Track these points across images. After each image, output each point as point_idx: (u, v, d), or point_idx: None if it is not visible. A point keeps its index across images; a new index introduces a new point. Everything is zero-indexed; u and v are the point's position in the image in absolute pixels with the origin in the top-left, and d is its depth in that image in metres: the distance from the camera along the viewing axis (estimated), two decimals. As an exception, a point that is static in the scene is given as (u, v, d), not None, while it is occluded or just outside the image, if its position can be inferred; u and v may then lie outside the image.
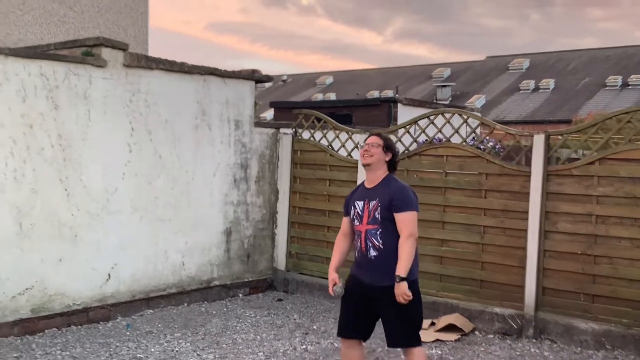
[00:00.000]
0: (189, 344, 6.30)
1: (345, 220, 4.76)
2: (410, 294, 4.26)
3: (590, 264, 6.48)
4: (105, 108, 6.97)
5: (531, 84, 33.06)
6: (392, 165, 4.61)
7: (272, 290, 8.69)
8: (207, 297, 8.02)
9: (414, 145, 7.80)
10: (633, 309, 6.27)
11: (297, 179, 8.62)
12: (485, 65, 37.63)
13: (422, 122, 7.63)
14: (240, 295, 8.39)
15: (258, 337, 6.60)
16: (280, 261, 8.71)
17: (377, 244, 4.41)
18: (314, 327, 7.01)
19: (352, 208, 4.60)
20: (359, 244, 4.52)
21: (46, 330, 6.49)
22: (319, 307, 7.85)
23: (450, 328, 6.87)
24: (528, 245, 6.78)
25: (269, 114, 23.81)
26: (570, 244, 6.60)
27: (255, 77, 8.54)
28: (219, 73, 8.09)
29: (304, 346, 6.33)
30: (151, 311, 7.37)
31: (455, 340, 6.63)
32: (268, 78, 8.74)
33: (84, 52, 6.91)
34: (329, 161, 8.29)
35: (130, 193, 7.22)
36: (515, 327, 6.83)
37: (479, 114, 7.45)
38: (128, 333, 6.61)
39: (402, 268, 4.29)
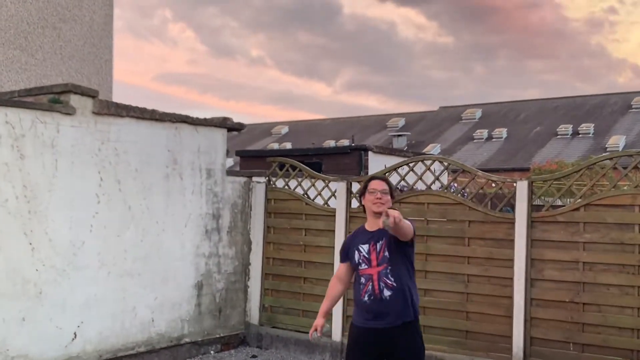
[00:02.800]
0: (164, 408, 5.88)
1: (342, 267, 4.59)
2: (397, 214, 3.96)
3: (578, 312, 6.35)
4: (73, 157, 6.63)
5: (484, 133, 33.68)
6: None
7: (245, 345, 8.31)
8: (177, 355, 7.60)
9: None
10: (624, 357, 6.13)
11: (271, 229, 8.34)
12: (439, 115, 38.26)
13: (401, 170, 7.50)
14: (212, 352, 7.98)
15: (238, 397, 6.23)
16: (254, 315, 8.35)
17: (390, 282, 4.28)
18: (295, 385, 6.67)
19: (357, 252, 4.41)
20: (370, 288, 4.31)
21: (7, 397, 6.00)
22: (297, 363, 7.51)
23: (436, 382, 6.61)
24: (514, 293, 6.62)
25: (227, 162, 23.51)
26: (558, 292, 6.47)
27: (227, 125, 8.32)
28: (190, 121, 7.84)
29: (288, 406, 5.99)
30: (119, 372, 6.93)
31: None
32: (240, 126, 8.52)
33: (52, 99, 6.60)
34: (305, 210, 8.05)
35: (98, 247, 6.84)
36: (504, 379, 6.61)
37: (460, 162, 7.33)
38: (97, 397, 6.16)
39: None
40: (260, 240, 8.38)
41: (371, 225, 4.42)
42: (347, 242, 4.58)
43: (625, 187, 6.45)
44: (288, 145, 37.03)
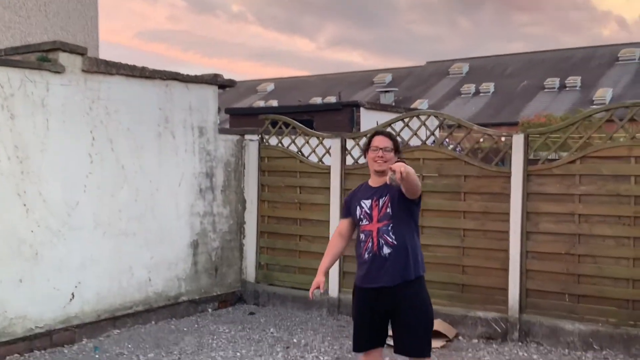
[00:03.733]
0: (165, 365, 5.91)
1: (343, 222, 4.51)
2: (401, 167, 3.85)
3: (574, 264, 6.41)
4: (64, 117, 6.52)
5: (472, 88, 33.58)
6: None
7: (242, 303, 8.34)
8: (175, 313, 7.62)
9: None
10: (619, 307, 6.22)
11: (266, 187, 8.30)
12: (426, 71, 38.05)
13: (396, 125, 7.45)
14: (210, 310, 8.01)
15: (238, 353, 6.26)
16: (250, 273, 8.37)
17: (390, 240, 4.18)
18: (294, 340, 6.71)
19: (358, 208, 4.32)
20: (370, 245, 4.24)
21: (7, 357, 5.99)
22: (295, 319, 7.55)
23: (433, 335, 6.66)
24: (510, 247, 6.66)
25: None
26: (553, 244, 6.51)
27: (218, 81, 8.21)
28: (181, 78, 7.72)
29: (288, 361, 6.04)
30: (118, 331, 6.93)
31: (441, 347, 6.45)
32: (231, 82, 8.41)
33: (40, 57, 6.45)
34: (299, 167, 8.00)
35: (92, 207, 6.78)
36: (500, 330, 6.70)
37: (455, 117, 7.29)
38: (97, 356, 6.17)
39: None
40: (254, 199, 8.34)
41: (374, 181, 4.35)
42: (349, 197, 4.49)
43: (621, 139, 6.44)
44: (274, 103, 36.77)
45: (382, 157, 4.25)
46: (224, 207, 8.26)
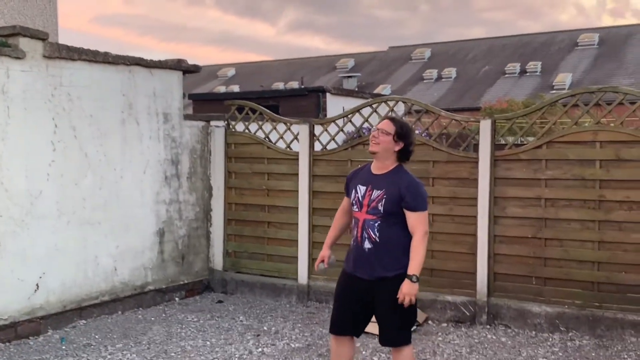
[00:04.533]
0: (134, 355, 5.83)
1: (345, 199, 4.46)
2: (408, 299, 4.05)
3: (540, 247, 6.49)
4: (25, 104, 6.35)
5: (434, 73, 33.76)
6: (403, 155, 4.26)
7: (210, 292, 8.28)
8: (142, 303, 7.52)
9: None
10: (584, 289, 6.33)
11: (232, 174, 8.22)
12: (388, 56, 38.11)
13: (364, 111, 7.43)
14: (177, 299, 7.93)
15: (207, 342, 6.21)
16: (217, 261, 8.30)
17: (374, 236, 4.15)
18: (264, 328, 6.68)
19: (354, 191, 4.28)
20: (355, 232, 4.25)
21: (-30, 351, 5.86)
22: (264, 307, 7.51)
23: (403, 320, 6.70)
24: (478, 231, 6.72)
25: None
26: (520, 228, 6.59)
27: (182, 67, 8.08)
28: (144, 63, 7.57)
29: (259, 349, 6.00)
30: (84, 322, 6.82)
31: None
32: (196, 68, 8.28)
33: (-1, 42, 6.26)
34: (267, 154, 7.94)
35: (56, 195, 6.63)
36: (468, 314, 6.77)
37: (423, 102, 7.30)
38: (64, 347, 6.05)
39: (416, 267, 4.07)
40: (221, 186, 8.26)
41: (375, 167, 4.27)
42: (351, 175, 4.43)
43: (586, 124, 6.53)
44: (236, 88, 36.50)
45: (375, 137, 4.20)
46: (190, 195, 8.16)
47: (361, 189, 4.24)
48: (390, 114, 7.08)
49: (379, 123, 4.33)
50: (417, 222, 4.13)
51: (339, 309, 4.36)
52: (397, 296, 4.05)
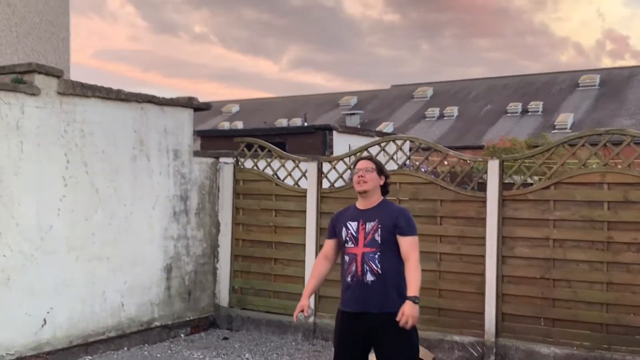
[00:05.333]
0: (142, 393, 5.81)
1: (329, 243, 4.48)
2: (411, 321, 4.03)
3: (549, 288, 6.50)
4: (38, 139, 6.43)
5: (436, 111, 34.02)
6: (385, 189, 4.41)
7: (215, 328, 8.25)
8: (148, 339, 7.50)
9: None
10: (593, 331, 6.31)
11: (240, 210, 8.26)
12: (390, 94, 38.44)
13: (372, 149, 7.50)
14: (182, 335, 7.90)
15: (215, 380, 6.19)
16: (223, 297, 8.29)
17: (376, 268, 4.17)
18: (271, 366, 6.66)
19: (344, 229, 4.32)
20: (353, 268, 4.24)
21: (-23, 386, 5.83)
22: (270, 344, 7.49)
23: (410, 359, 6.68)
24: (486, 271, 6.73)
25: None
26: (529, 269, 6.60)
27: (193, 104, 8.18)
28: (156, 101, 7.68)
29: (267, 388, 5.97)
30: (90, 357, 6.80)
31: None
32: (207, 106, 8.39)
33: (15, 79, 6.36)
34: (275, 190, 7.99)
35: (66, 230, 6.66)
36: (476, 354, 6.74)
37: (430, 141, 7.37)
38: (70, 384, 6.03)
39: (416, 288, 4.09)
40: (229, 222, 8.29)
41: (361, 203, 4.37)
42: (335, 217, 4.48)
43: (594, 165, 6.59)
44: (240, 124, 36.73)
45: (362, 176, 4.30)
46: (198, 230, 8.19)
47: (352, 225, 4.30)
48: (397, 152, 7.16)
49: (357, 165, 4.43)
50: (410, 246, 4.21)
51: (340, 352, 4.32)
52: (398, 319, 4.02)
